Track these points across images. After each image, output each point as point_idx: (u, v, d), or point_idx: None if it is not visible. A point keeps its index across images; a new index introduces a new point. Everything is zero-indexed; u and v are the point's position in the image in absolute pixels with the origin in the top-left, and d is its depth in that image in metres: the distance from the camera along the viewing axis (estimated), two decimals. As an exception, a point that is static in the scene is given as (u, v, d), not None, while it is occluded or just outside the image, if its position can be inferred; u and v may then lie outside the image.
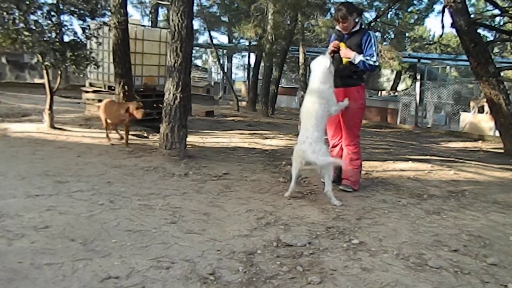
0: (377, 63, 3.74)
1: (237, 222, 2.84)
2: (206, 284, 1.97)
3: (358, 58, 3.68)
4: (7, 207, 2.78)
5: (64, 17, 5.83)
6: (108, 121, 5.66)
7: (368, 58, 3.68)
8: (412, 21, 19.75)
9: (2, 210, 2.72)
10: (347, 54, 3.72)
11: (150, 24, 19.05)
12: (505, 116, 7.14)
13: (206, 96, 17.74)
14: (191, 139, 5.98)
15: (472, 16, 7.72)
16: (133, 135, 6.32)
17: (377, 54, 3.74)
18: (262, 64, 13.51)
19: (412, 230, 2.90)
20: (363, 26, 3.94)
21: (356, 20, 3.82)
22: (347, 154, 3.92)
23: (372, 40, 3.72)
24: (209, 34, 15.08)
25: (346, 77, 3.82)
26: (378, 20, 11.96)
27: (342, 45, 3.76)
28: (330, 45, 3.88)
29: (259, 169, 4.58)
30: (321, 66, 3.65)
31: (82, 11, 5.80)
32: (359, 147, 3.97)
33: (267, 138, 7.15)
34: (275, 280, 2.05)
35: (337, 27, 3.94)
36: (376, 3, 15.64)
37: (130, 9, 29.86)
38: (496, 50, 18.54)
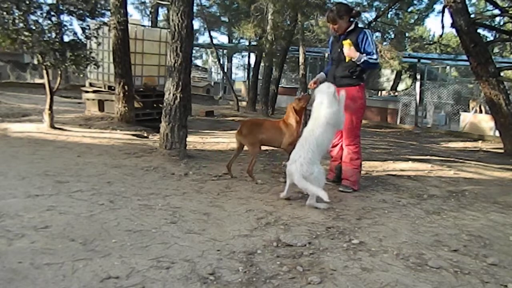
0: (377, 60, 3.78)
1: (237, 222, 2.84)
2: (206, 284, 1.97)
3: (362, 58, 3.68)
4: (7, 207, 2.78)
5: (64, 17, 5.84)
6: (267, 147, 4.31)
7: (369, 57, 3.69)
8: (412, 21, 19.72)
9: (2, 210, 2.72)
10: (350, 54, 3.71)
11: (150, 24, 19.05)
12: (505, 116, 7.14)
13: (206, 96, 17.75)
14: (191, 139, 5.97)
15: (472, 16, 7.72)
16: (133, 135, 6.33)
17: (376, 52, 3.76)
18: (262, 64, 13.51)
19: (412, 230, 2.90)
20: (359, 25, 3.93)
21: (351, 20, 3.81)
22: (347, 153, 3.92)
23: (369, 38, 3.72)
24: (209, 34, 15.11)
25: (346, 77, 3.83)
26: (378, 20, 11.95)
27: (346, 43, 3.75)
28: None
29: (259, 169, 4.58)
30: (326, 93, 3.52)
31: (81, 11, 5.80)
32: (359, 147, 3.97)
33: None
34: (275, 280, 2.05)
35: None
36: (376, 3, 15.61)
37: (130, 9, 29.85)
38: (496, 50, 18.54)
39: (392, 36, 18.81)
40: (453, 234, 2.86)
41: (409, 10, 17.45)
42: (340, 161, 4.02)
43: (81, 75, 6.80)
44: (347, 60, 3.76)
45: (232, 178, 4.09)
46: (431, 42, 17.50)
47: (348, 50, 3.71)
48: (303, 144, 3.41)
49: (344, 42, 3.75)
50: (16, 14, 5.36)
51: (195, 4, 7.62)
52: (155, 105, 8.06)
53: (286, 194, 3.51)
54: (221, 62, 17.43)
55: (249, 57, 19.23)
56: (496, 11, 8.88)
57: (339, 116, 3.54)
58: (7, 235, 2.35)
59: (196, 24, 22.52)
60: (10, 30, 5.35)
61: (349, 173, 3.89)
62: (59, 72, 6.27)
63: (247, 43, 16.53)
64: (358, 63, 3.70)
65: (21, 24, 5.40)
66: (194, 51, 19.54)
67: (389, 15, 17.06)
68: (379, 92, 17.38)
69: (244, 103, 14.37)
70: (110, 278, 1.96)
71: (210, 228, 2.70)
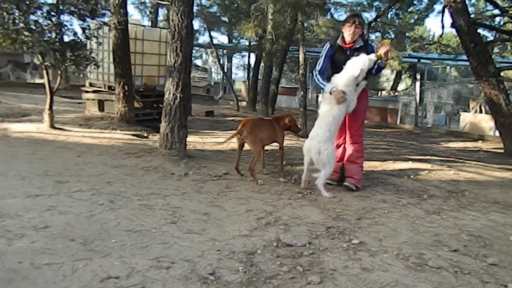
0: None
1: (237, 222, 2.84)
2: (206, 284, 1.97)
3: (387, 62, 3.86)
4: (7, 207, 2.78)
5: (64, 17, 5.83)
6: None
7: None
8: (412, 21, 19.74)
9: (2, 210, 2.72)
10: (386, 56, 3.71)
11: (150, 24, 19.05)
12: (505, 116, 7.14)
13: (206, 96, 17.73)
14: (191, 139, 5.97)
15: (472, 16, 7.72)
16: (133, 135, 6.33)
17: None
18: (262, 64, 13.50)
19: (412, 230, 2.90)
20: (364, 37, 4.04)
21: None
22: (352, 152, 3.95)
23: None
24: (209, 34, 15.10)
25: None
26: (378, 20, 11.95)
27: (386, 42, 3.80)
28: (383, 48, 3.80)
29: (259, 169, 4.58)
30: (351, 70, 3.72)
31: (82, 11, 5.80)
32: (363, 146, 4.05)
33: (267, 138, 7.13)
34: (275, 280, 2.05)
35: (339, 42, 3.88)
36: (376, 3, 15.63)
37: (130, 9, 29.78)
38: (496, 50, 18.53)
39: (392, 36, 18.81)
40: (453, 234, 2.86)
41: (409, 10, 17.47)
42: (343, 162, 4.05)
43: (81, 75, 6.79)
44: (377, 55, 3.74)
45: (238, 177, 4.13)
46: (431, 42, 17.48)
47: (387, 49, 3.70)
48: (321, 123, 3.74)
49: (385, 41, 3.86)
50: (16, 14, 5.35)
51: (195, 4, 7.62)
52: (155, 105, 8.06)
53: (305, 177, 3.84)
54: (221, 62, 17.44)
55: (249, 57, 19.20)
56: (496, 11, 8.88)
57: (353, 97, 3.80)
58: (7, 235, 2.35)
59: (196, 24, 22.52)
60: (10, 30, 5.34)
61: (353, 171, 3.93)
62: (59, 72, 6.27)
63: (247, 43, 16.51)
64: (382, 65, 3.80)
65: (21, 24, 5.40)
66: (194, 51, 19.56)
67: (389, 15, 17.08)
68: (379, 92, 17.37)
69: (244, 103, 14.36)
70: (110, 278, 1.96)
71: (210, 228, 2.70)
